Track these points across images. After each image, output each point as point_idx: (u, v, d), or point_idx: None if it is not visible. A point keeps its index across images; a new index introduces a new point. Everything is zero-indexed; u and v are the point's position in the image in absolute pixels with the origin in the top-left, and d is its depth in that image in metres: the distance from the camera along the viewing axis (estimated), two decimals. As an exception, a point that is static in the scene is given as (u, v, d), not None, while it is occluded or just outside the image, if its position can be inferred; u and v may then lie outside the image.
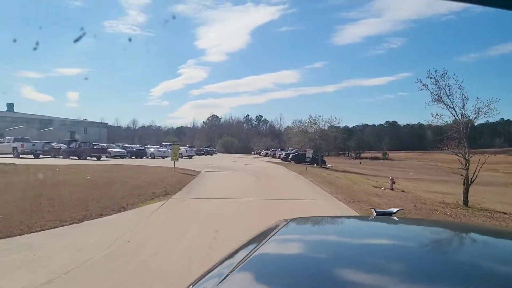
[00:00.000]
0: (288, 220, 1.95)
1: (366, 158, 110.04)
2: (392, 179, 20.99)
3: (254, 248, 1.45)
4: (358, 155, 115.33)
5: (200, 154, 64.52)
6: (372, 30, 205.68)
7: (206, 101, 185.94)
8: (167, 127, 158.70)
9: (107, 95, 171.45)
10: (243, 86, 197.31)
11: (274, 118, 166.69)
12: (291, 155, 47.48)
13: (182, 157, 45.09)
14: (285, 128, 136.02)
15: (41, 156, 33.76)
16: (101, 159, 33.39)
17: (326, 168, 41.93)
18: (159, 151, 42.02)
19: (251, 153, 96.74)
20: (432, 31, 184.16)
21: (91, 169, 21.48)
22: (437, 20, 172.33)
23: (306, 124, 43.14)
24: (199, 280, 1.24)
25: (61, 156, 33.23)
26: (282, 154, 51.71)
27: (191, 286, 1.20)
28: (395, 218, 2.20)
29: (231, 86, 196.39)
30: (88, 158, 32.36)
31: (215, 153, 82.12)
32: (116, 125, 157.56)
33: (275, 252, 1.53)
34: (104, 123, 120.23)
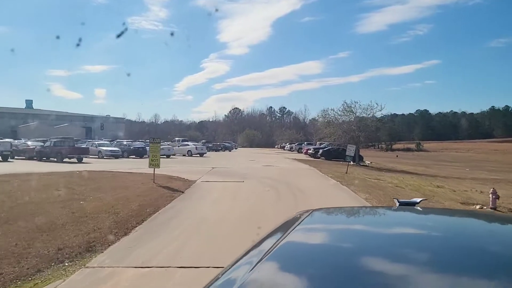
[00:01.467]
0: (311, 211, 1.90)
1: (398, 149, 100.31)
2: (494, 193, 12.49)
3: (280, 238, 1.42)
4: (390, 146, 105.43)
5: (217, 150, 56.90)
6: (397, 17, 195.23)
7: (229, 95, 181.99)
8: (189, 122, 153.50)
9: (133, 92, 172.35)
10: (265, 78, 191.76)
11: (299, 110, 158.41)
12: (321, 151, 39.12)
13: (191, 155, 37.61)
14: (309, 120, 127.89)
15: (15, 157, 27.05)
16: (88, 160, 26.33)
17: (366, 166, 33.41)
18: (162, 148, 34.48)
19: (274, 147, 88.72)
20: (459, 17, 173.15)
21: (26, 184, 14.08)
22: (464, 5, 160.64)
23: (339, 113, 34.63)
24: (229, 268, 1.22)
25: (36, 158, 26.30)
26: (309, 149, 43.34)
27: (220, 275, 1.19)
28: (418, 208, 2.11)
29: (254, 79, 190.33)
30: (71, 159, 25.34)
31: (235, 148, 74.38)
32: (138, 121, 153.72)
33: (301, 241, 1.51)
34: (121, 118, 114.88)
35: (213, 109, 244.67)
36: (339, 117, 34.66)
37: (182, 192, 12.98)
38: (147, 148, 35.34)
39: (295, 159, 35.76)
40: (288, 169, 23.15)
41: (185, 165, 24.96)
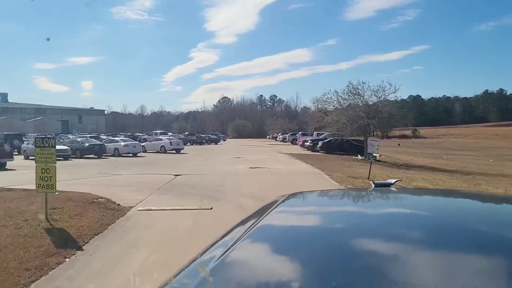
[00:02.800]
0: (287, 195, 1.88)
1: (393, 136, 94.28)
2: None
3: (257, 220, 1.40)
4: (386, 134, 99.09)
5: (201, 143, 49.81)
6: (385, 3, 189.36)
7: (218, 85, 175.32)
8: (177, 113, 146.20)
9: (121, 83, 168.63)
10: (255, 67, 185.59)
11: (290, 98, 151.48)
12: (320, 143, 32.30)
13: (165, 152, 30.64)
14: (301, 108, 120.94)
15: None
16: (20, 163, 19.34)
17: (377, 161, 26.74)
18: (126, 145, 27.39)
19: (265, 137, 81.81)
20: (447, 1, 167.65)
21: None
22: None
23: (343, 96, 27.65)
24: (205, 252, 1.19)
25: None
26: (306, 140, 36.45)
27: (199, 256, 1.16)
28: (393, 188, 2.15)
29: (243, 68, 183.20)
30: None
31: (223, 140, 67.28)
32: (123, 112, 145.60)
33: (278, 223, 1.49)
34: (102, 110, 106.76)
35: (202, 99, 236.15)
36: (343, 101, 27.76)
37: (77, 250, 6.19)
38: (108, 145, 28.40)
39: (290, 154, 28.92)
40: (284, 173, 16.27)
41: (142, 169, 18.04)
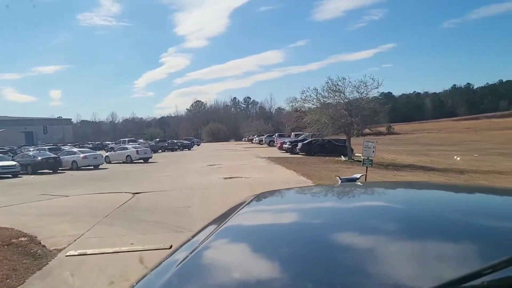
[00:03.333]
0: (256, 194, 1.85)
1: (368, 134, 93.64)
2: None
3: (224, 221, 1.36)
4: (360, 131, 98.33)
5: (173, 150, 46.76)
6: (352, 3, 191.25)
7: (191, 89, 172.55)
8: (150, 118, 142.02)
9: (91, 91, 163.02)
10: (227, 70, 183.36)
11: (264, 99, 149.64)
12: (299, 145, 30.02)
13: (132, 162, 27.70)
14: (275, 109, 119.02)
15: None
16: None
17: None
18: (86, 157, 24.19)
19: (241, 140, 79.27)
20: (412, 0, 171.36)
21: None
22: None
23: (323, 94, 25.41)
24: (170, 255, 1.13)
25: None
26: (285, 142, 34.04)
27: (163, 260, 1.10)
28: (359, 183, 2.17)
29: (215, 71, 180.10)
30: None
31: (197, 145, 64.26)
32: (94, 120, 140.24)
33: (246, 223, 1.45)
34: (68, 119, 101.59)
35: (175, 104, 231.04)
36: (323, 99, 25.55)
37: None
38: (64, 158, 25.09)
39: (269, 158, 26.54)
40: (266, 183, 13.76)
41: (98, 186, 15.17)
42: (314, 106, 25.67)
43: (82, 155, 24.51)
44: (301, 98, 25.56)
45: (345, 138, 29.58)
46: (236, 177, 15.76)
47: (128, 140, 43.05)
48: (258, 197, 1.80)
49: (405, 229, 1.23)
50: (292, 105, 79.08)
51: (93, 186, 15.15)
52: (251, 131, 72.82)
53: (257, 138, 59.25)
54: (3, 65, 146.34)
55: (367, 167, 12.07)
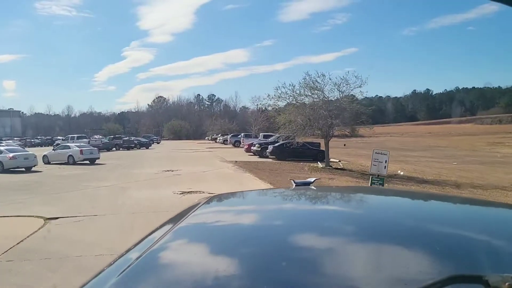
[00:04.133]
0: (210, 197, 1.85)
1: (334, 136, 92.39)
2: None
3: (176, 223, 1.33)
4: (332, 134, 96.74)
5: (129, 148, 41.97)
6: (317, 6, 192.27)
7: (154, 84, 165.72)
8: (109, 113, 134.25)
9: (48, 82, 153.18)
10: (192, 67, 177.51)
11: (229, 97, 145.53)
12: (270, 147, 26.58)
13: (74, 163, 23.29)
14: (240, 108, 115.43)
15: None
16: None
17: (342, 168, 21.66)
18: (14, 157, 19.10)
19: (205, 139, 75.04)
20: (375, 6, 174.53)
21: None
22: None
23: (298, 92, 22.15)
24: (118, 259, 1.09)
25: None
26: (253, 144, 30.44)
27: (112, 262, 1.06)
28: (313, 187, 2.18)
29: (180, 67, 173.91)
30: None
31: (157, 143, 59.48)
32: (47, 113, 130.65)
33: (198, 225, 1.42)
34: (16, 111, 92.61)
35: (138, 100, 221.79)
36: (300, 97, 22.30)
37: None
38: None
39: (236, 162, 22.97)
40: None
41: (8, 200, 11.02)
42: (291, 104, 22.30)
43: (9, 155, 19.80)
44: (274, 95, 22.21)
45: (317, 141, 26.67)
46: (196, 192, 12.05)
47: (77, 136, 37.83)
48: (212, 199, 1.77)
49: (351, 232, 1.24)
50: (257, 104, 75.64)
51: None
52: (215, 130, 68.84)
53: (221, 138, 55.39)
54: None
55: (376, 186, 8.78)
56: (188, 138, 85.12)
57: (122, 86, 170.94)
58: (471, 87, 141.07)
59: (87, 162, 24.20)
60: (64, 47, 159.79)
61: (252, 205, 1.84)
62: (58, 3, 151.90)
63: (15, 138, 62.23)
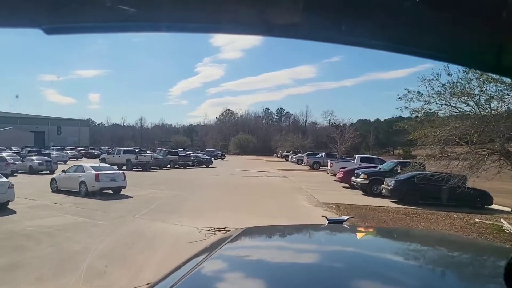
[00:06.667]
0: (243, 228, 1.81)
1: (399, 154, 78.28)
2: None
3: (209, 254, 1.33)
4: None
5: (185, 166, 33.51)
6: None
7: (223, 99, 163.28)
8: (179, 125, 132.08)
9: (127, 96, 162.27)
10: (260, 82, 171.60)
11: (299, 112, 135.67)
12: (392, 182, 15.77)
13: (87, 194, 14.77)
14: (309, 123, 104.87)
15: None
16: None
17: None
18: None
19: (273, 155, 65.64)
20: None
21: None
22: None
23: (449, 95, 11.64)
24: (157, 283, 1.13)
25: None
26: (358, 174, 19.45)
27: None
28: (345, 225, 2.09)
29: (248, 83, 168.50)
30: None
31: (221, 159, 51.18)
32: (122, 124, 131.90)
33: (230, 257, 1.42)
34: (85, 120, 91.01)
35: (207, 114, 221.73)
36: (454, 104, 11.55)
37: None
38: None
39: (338, 207, 12.87)
40: None
41: None
42: (442, 112, 11.71)
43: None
44: (418, 93, 11.68)
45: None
46: None
47: (124, 150, 30.17)
48: (244, 233, 1.73)
49: (382, 274, 1.19)
50: (329, 120, 64.18)
51: None
52: (286, 146, 59.07)
53: (294, 156, 45.31)
54: (45, 66, 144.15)
55: None
56: (254, 153, 76.58)
57: (194, 100, 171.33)
58: None
59: (111, 191, 15.62)
60: (143, 63, 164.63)
61: (285, 241, 1.81)
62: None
63: (74, 148, 58.77)
